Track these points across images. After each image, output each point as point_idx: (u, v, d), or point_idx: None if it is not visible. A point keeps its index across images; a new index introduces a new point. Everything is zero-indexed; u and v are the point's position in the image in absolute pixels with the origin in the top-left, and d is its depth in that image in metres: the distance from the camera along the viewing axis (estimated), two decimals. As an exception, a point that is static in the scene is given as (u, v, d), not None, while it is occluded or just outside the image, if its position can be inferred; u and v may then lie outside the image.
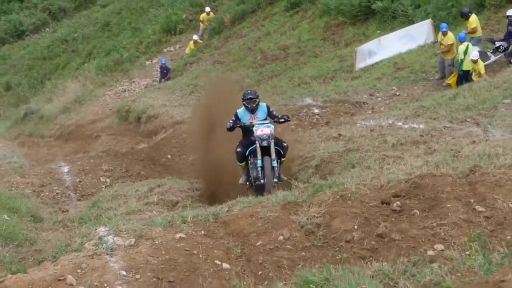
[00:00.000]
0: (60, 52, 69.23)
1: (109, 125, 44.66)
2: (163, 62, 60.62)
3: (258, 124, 23.19)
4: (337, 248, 16.55)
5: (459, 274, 12.09)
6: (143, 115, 44.00)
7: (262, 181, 23.56)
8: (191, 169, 34.39)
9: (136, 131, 40.87)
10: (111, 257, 16.88)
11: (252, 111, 23.58)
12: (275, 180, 24.25)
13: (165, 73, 57.94)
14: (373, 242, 16.70)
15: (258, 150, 23.01)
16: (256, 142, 23.37)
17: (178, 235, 17.39)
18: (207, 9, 66.07)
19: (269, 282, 14.47)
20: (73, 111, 54.27)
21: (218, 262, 16.40)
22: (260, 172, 23.23)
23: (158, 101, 47.08)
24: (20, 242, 20.78)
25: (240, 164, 24.41)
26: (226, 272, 16.04)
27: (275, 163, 23.49)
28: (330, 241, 16.89)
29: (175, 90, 51.08)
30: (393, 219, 17.22)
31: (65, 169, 35.26)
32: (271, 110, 24.72)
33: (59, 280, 16.05)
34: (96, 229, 18.85)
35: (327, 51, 54.45)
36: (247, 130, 24.00)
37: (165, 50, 64.06)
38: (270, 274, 15.34)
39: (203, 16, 65.60)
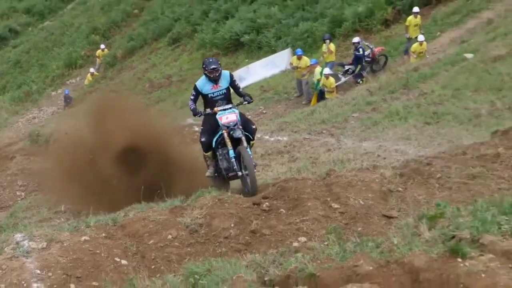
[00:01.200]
0: (-22, 87, 68.64)
1: (23, 147, 44.58)
2: (66, 93, 60.20)
3: (221, 111, 18.88)
4: (217, 244, 16.80)
5: (319, 261, 12.15)
6: (51, 138, 43.90)
7: (239, 173, 19.16)
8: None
9: (45, 151, 40.74)
10: (27, 258, 16.77)
11: (215, 81, 19.02)
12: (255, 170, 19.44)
13: (68, 101, 57.91)
14: (247, 237, 16.93)
15: (227, 140, 18.68)
16: (223, 130, 18.99)
17: (83, 238, 17.37)
18: (102, 46, 66.35)
19: (160, 275, 14.57)
20: (-9, 136, 54.04)
21: (117, 259, 16.52)
22: (235, 163, 18.85)
23: (62, 125, 47.03)
24: None
25: (207, 154, 20.31)
26: (125, 268, 16.19)
27: (249, 151, 18.89)
28: (211, 238, 17.14)
29: (77, 115, 51.06)
30: (263, 217, 17.51)
31: (-14, 185, 35.15)
32: (234, 79, 19.82)
33: (-18, 280, 16.09)
34: (13, 235, 18.78)
35: (204, 78, 54.69)
36: (210, 103, 19.45)
37: (68, 82, 64.26)
38: (162, 267, 15.60)
39: (98, 52, 65.88)
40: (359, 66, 43.73)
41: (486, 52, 37.28)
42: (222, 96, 18.53)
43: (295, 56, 45.04)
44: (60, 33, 72.68)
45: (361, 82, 43.23)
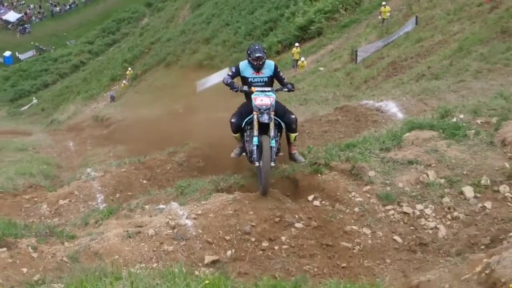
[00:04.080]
0: (65, 92, 67.58)
1: (89, 124, 43.88)
2: (112, 94, 58.96)
3: (258, 91, 11.67)
4: (193, 171, 16.63)
5: (246, 178, 12.11)
6: (104, 118, 43.40)
7: (256, 163, 11.70)
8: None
9: (101, 125, 40.27)
10: (93, 181, 16.94)
11: (258, 69, 11.74)
12: (272, 164, 11.51)
13: (112, 98, 57.18)
14: (210, 167, 16.76)
15: (255, 123, 11.58)
16: (254, 112, 11.67)
17: (122, 170, 17.38)
18: (129, 69, 64.93)
19: (163, 188, 14.41)
20: (73, 118, 53.47)
21: (141, 180, 16.57)
22: (255, 152, 11.63)
23: (110, 111, 46.44)
24: (52, 177, 20.73)
25: (235, 135, 12.81)
26: (145, 185, 16.31)
27: (273, 143, 11.27)
28: (190, 168, 17.05)
29: (117, 106, 50.58)
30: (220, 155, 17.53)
31: (71, 143, 34.81)
32: (278, 70, 12.14)
33: (71, 193, 16.25)
34: (86, 169, 18.82)
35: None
36: (249, 86, 11.94)
37: (112, 88, 63.36)
38: (164, 184, 15.63)
39: (127, 72, 64.44)
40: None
41: (330, 66, 37.22)
42: (263, 83, 11.06)
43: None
44: (107, 62, 71.69)
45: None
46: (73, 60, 72.83)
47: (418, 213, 9.35)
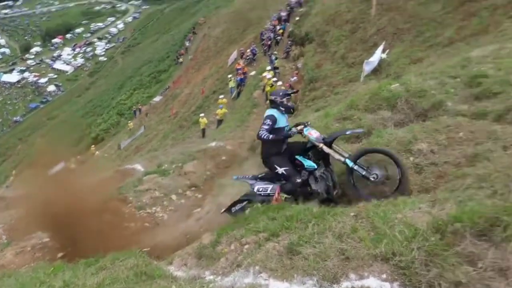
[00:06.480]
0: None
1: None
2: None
3: (306, 128, 3.61)
4: None
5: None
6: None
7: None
8: None
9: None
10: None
11: (293, 109, 3.65)
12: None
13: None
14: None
15: (334, 153, 3.56)
16: (319, 145, 3.52)
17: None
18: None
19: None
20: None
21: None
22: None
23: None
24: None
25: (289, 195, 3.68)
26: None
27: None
28: None
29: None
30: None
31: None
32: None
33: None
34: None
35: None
36: (281, 144, 3.57)
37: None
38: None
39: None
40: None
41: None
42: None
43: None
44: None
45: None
46: None
47: (154, 211, 9.31)
